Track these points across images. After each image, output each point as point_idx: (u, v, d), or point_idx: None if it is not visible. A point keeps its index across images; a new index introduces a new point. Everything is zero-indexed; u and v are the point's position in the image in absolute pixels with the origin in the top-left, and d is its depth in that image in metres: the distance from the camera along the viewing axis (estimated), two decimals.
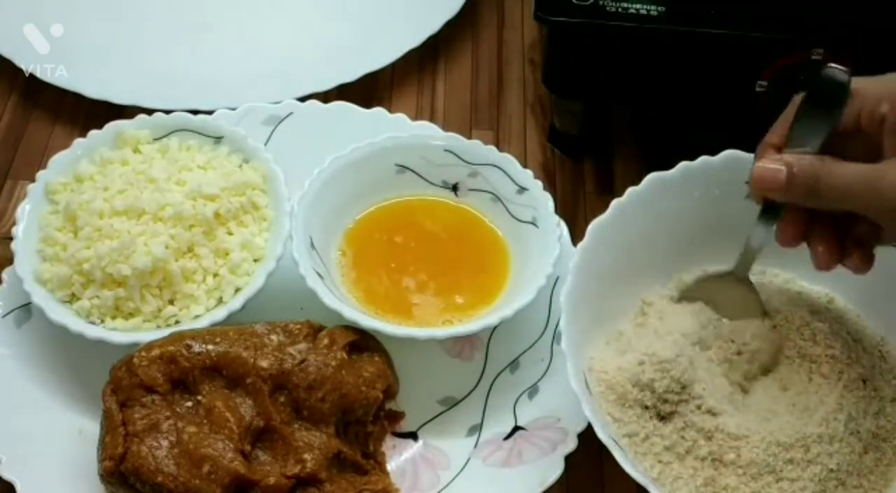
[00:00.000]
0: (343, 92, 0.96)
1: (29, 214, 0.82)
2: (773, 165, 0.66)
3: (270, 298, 0.80)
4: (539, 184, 0.84)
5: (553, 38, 0.86)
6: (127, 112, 0.91)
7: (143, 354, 0.73)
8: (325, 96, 0.95)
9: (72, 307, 0.79)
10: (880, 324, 0.79)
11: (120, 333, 0.78)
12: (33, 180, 0.84)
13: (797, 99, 0.68)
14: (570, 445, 0.76)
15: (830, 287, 0.80)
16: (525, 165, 0.85)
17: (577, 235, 0.82)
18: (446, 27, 1.01)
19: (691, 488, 0.71)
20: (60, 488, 0.75)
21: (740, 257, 0.75)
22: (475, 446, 0.78)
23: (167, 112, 0.88)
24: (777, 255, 0.80)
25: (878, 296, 0.79)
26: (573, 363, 0.70)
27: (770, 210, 0.70)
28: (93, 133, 0.86)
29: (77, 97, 0.96)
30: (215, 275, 0.80)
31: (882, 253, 0.71)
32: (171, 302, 0.79)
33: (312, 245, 0.81)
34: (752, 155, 0.77)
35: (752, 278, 0.80)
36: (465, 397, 0.80)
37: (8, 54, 0.98)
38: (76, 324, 0.78)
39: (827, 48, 0.80)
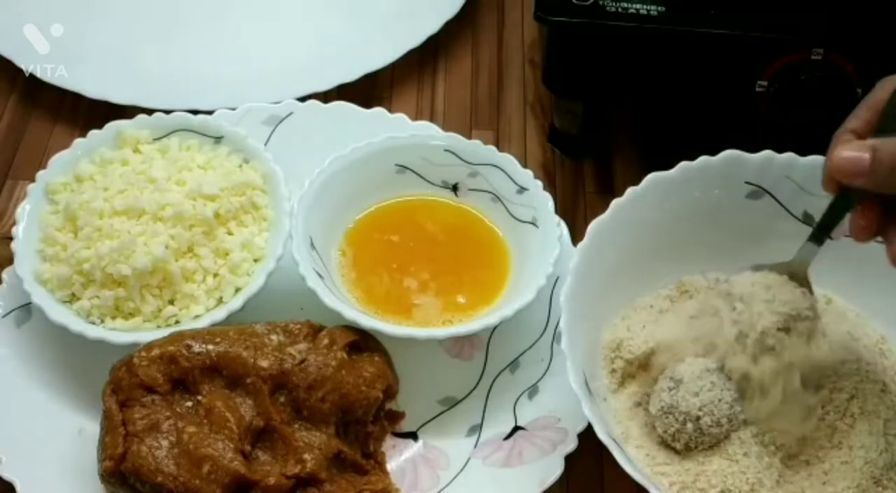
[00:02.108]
0: (343, 92, 0.96)
1: (29, 214, 0.82)
2: (855, 151, 0.63)
3: (270, 298, 0.80)
4: (539, 184, 0.84)
5: (553, 38, 0.86)
6: (127, 112, 0.91)
7: (143, 354, 0.73)
8: (325, 96, 0.95)
9: (72, 307, 0.79)
10: (880, 322, 0.79)
11: (120, 333, 0.78)
12: (33, 180, 0.84)
13: (887, 84, 0.66)
14: (570, 445, 0.76)
15: (829, 288, 0.80)
16: (525, 165, 0.85)
17: (577, 236, 0.82)
18: (446, 27, 1.01)
19: (694, 488, 0.71)
20: (60, 488, 0.75)
21: (800, 251, 0.72)
22: (475, 446, 0.78)
23: (167, 112, 0.88)
24: (775, 258, 0.80)
25: (877, 295, 0.79)
26: (573, 363, 0.70)
27: (843, 201, 0.67)
28: (93, 133, 0.86)
29: (77, 97, 0.96)
30: (215, 275, 0.80)
31: (879, 252, 0.70)
32: (171, 302, 0.79)
33: (312, 245, 0.81)
34: (752, 155, 0.78)
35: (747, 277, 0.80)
36: (465, 397, 0.80)
37: (8, 54, 0.98)
38: (76, 324, 0.78)
39: (827, 48, 0.80)
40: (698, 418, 0.71)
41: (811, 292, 0.72)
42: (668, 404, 0.72)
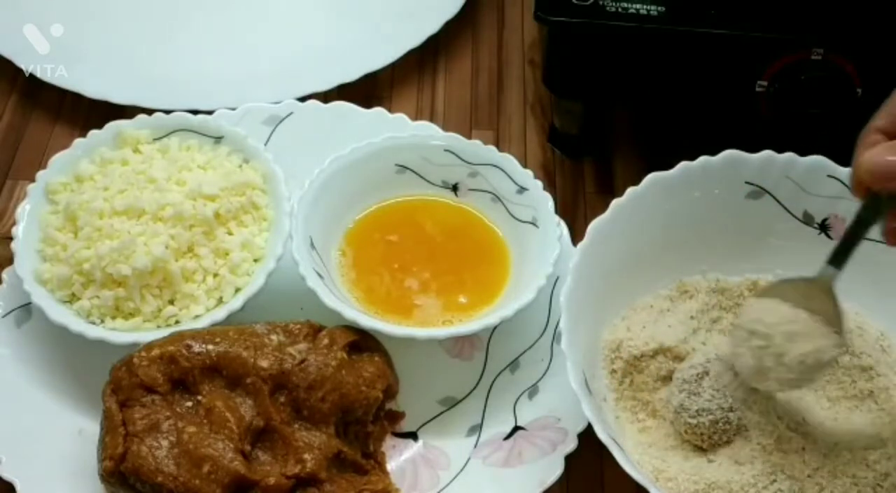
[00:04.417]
0: (343, 92, 0.96)
1: (29, 214, 0.82)
2: (889, 154, 0.60)
3: (270, 298, 0.80)
4: (539, 184, 0.84)
5: (553, 38, 0.86)
6: (127, 112, 0.91)
7: (143, 354, 0.73)
8: (325, 96, 0.95)
9: (72, 307, 0.79)
10: (879, 319, 0.79)
11: (120, 333, 0.78)
12: (33, 180, 0.84)
13: None
14: (570, 445, 0.76)
15: None
16: (525, 165, 0.85)
17: (577, 236, 0.82)
18: (446, 27, 1.01)
19: (696, 489, 0.71)
20: (60, 488, 0.75)
21: (831, 257, 0.68)
22: (475, 446, 0.78)
23: (167, 112, 0.88)
24: (775, 258, 0.80)
25: (876, 292, 0.79)
26: (573, 363, 0.70)
27: (873, 206, 0.64)
28: (93, 133, 0.86)
29: (77, 97, 0.96)
30: (215, 275, 0.80)
31: (877, 251, 0.71)
32: (171, 302, 0.79)
33: (312, 245, 0.81)
34: (752, 155, 0.78)
35: (748, 274, 0.81)
36: (465, 397, 0.80)
37: (8, 54, 0.98)
38: (76, 324, 0.78)
39: (827, 48, 0.80)
40: (718, 413, 0.71)
41: (837, 305, 0.68)
42: (683, 403, 0.72)
